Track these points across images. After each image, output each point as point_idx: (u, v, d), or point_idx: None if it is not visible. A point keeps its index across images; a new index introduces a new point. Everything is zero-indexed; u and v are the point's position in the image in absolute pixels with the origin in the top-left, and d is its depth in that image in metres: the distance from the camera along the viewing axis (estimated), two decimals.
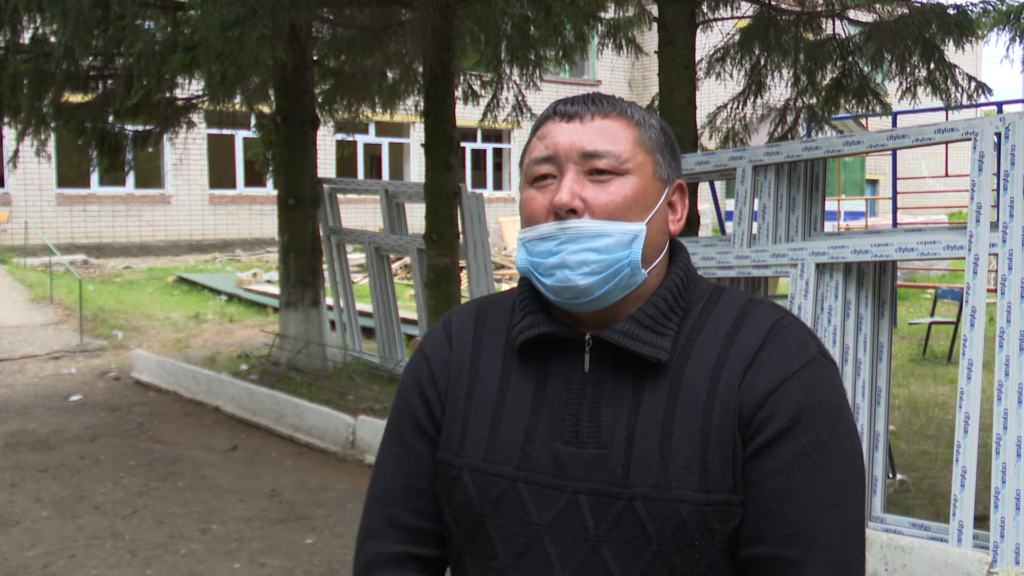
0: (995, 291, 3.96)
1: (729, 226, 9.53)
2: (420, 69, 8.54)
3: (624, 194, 1.13)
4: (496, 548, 1.16)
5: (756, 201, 4.80)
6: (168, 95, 9.11)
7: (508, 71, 8.89)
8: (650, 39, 8.67)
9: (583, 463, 1.13)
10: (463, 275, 9.63)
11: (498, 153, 24.23)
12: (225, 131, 17.89)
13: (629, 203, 1.14)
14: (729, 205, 14.19)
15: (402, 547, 1.23)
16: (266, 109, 10.07)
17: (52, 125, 8.82)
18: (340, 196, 10.00)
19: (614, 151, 1.14)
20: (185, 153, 16.96)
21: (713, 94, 10.06)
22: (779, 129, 8.35)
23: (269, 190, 17.25)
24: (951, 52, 7.27)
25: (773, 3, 7.92)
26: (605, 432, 1.13)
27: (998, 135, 4.03)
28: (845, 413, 1.14)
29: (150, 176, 19.23)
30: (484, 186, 23.34)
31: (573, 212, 1.12)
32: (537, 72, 8.84)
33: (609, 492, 1.11)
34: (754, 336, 1.14)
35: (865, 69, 7.73)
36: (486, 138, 23.58)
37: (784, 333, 1.15)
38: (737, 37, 8.00)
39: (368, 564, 1.24)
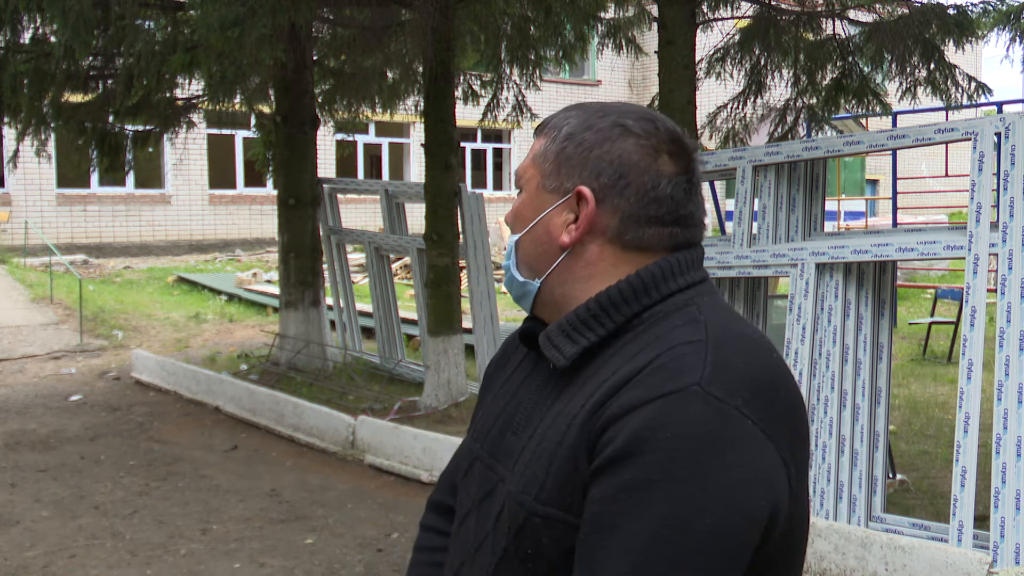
0: (995, 291, 3.96)
1: (729, 226, 9.53)
2: (420, 69, 8.54)
3: (514, 210, 1.23)
4: (456, 517, 1.28)
5: (756, 201, 4.80)
6: (168, 95, 9.12)
7: (508, 71, 8.89)
8: (650, 39, 8.66)
9: (510, 452, 1.17)
10: (463, 275, 9.63)
11: (498, 153, 24.22)
12: (225, 131, 17.89)
13: (515, 218, 1.22)
14: (729, 205, 14.19)
15: (443, 497, 1.40)
16: (266, 109, 10.07)
17: (52, 125, 8.83)
18: (340, 196, 10.00)
19: (518, 171, 1.23)
20: (185, 153, 16.94)
21: (713, 94, 10.06)
22: (779, 129, 8.35)
23: (269, 190, 17.24)
24: (951, 52, 7.27)
25: (773, 3, 7.92)
26: (532, 427, 1.17)
27: (998, 135, 4.04)
28: (705, 462, 0.97)
29: (150, 176, 19.23)
30: (484, 186, 23.33)
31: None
32: (537, 72, 8.83)
33: (502, 484, 1.16)
34: (647, 356, 1.06)
35: (865, 69, 7.73)
36: (486, 138, 23.58)
37: (677, 358, 1.04)
38: (737, 37, 8.00)
39: (427, 504, 1.44)
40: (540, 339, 1.18)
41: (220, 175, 19.67)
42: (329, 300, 9.88)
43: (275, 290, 11.72)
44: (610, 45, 8.81)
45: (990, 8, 7.28)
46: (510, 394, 1.25)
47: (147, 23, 7.92)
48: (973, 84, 7.37)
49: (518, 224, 1.21)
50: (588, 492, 1.03)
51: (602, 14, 8.71)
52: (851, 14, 7.90)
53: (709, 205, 16.38)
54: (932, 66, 7.21)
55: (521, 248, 1.21)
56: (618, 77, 25.15)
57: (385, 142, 22.18)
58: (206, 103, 8.96)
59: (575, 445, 1.05)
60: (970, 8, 7.14)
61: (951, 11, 7.00)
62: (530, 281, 1.20)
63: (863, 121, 13.22)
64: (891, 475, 5.32)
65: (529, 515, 1.09)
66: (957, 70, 7.36)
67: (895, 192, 12.11)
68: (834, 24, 7.87)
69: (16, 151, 9.00)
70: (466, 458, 1.29)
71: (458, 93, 8.81)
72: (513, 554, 1.11)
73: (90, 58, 8.18)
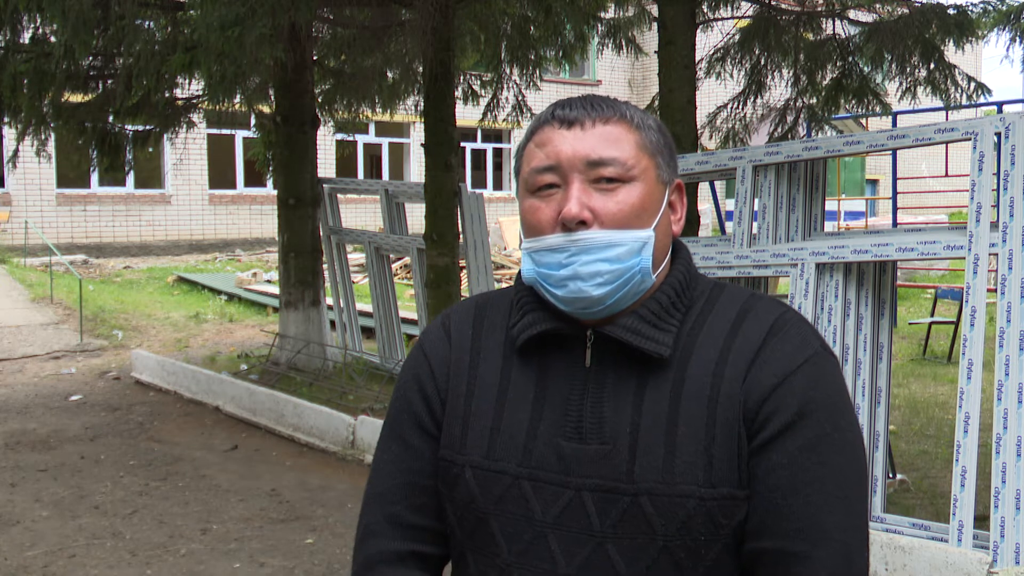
0: (995, 291, 3.96)
1: (729, 226, 9.53)
2: (420, 69, 8.54)
3: (632, 202, 1.13)
4: (499, 545, 1.15)
5: (756, 201, 4.80)
6: (168, 95, 9.11)
7: (508, 71, 8.89)
8: (650, 39, 8.67)
9: (587, 459, 1.12)
10: (463, 275, 9.63)
11: (498, 153, 24.23)
12: (225, 131, 17.87)
13: (637, 210, 1.13)
14: (729, 205, 14.19)
15: (403, 545, 1.22)
16: (266, 109, 10.07)
17: (52, 125, 8.82)
18: (340, 196, 10.00)
19: (619, 158, 1.13)
20: (185, 153, 16.95)
21: (713, 94, 10.07)
22: (779, 129, 8.36)
23: (269, 190, 17.25)
24: (951, 52, 7.28)
25: (773, 3, 7.92)
26: (608, 428, 1.13)
27: (998, 135, 4.04)
28: (848, 407, 1.14)
29: (150, 176, 19.24)
30: (484, 186, 23.34)
31: (583, 223, 1.11)
32: (537, 72, 8.84)
33: (614, 488, 1.11)
34: (756, 331, 1.15)
35: (865, 69, 7.73)
36: (486, 138, 23.58)
37: (787, 328, 1.15)
38: (737, 37, 8.01)
39: (369, 562, 1.22)
40: (620, 335, 1.13)
41: (220, 175, 19.67)
42: (329, 300, 9.89)
43: (275, 290, 11.72)
44: (610, 45, 8.81)
45: (990, 8, 7.29)
46: (528, 403, 1.17)
47: (147, 23, 7.91)
48: (973, 84, 7.37)
49: (643, 217, 1.14)
50: (761, 461, 1.10)
51: (602, 14, 8.72)
52: (851, 14, 7.91)
53: (709, 205, 16.41)
54: (932, 66, 7.21)
55: (657, 241, 1.15)
56: (618, 77, 25.15)
57: (385, 142, 22.18)
58: (206, 103, 8.95)
59: (731, 420, 1.11)
60: (970, 8, 7.14)
61: (951, 11, 7.00)
62: (651, 277, 1.15)
63: (863, 121, 13.23)
64: (891, 475, 5.32)
65: (700, 502, 1.09)
66: (957, 70, 7.36)
67: (895, 192, 12.11)
68: (834, 24, 7.87)
69: (16, 151, 9.00)
70: (490, 483, 1.16)
71: (458, 93, 8.82)
72: (679, 548, 1.10)
73: (90, 58, 8.18)
